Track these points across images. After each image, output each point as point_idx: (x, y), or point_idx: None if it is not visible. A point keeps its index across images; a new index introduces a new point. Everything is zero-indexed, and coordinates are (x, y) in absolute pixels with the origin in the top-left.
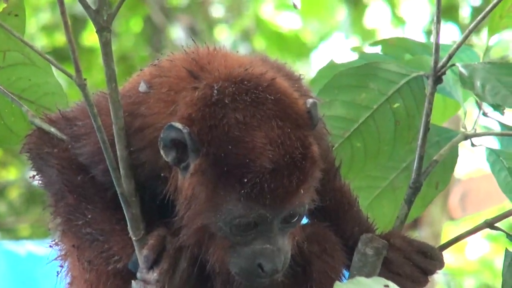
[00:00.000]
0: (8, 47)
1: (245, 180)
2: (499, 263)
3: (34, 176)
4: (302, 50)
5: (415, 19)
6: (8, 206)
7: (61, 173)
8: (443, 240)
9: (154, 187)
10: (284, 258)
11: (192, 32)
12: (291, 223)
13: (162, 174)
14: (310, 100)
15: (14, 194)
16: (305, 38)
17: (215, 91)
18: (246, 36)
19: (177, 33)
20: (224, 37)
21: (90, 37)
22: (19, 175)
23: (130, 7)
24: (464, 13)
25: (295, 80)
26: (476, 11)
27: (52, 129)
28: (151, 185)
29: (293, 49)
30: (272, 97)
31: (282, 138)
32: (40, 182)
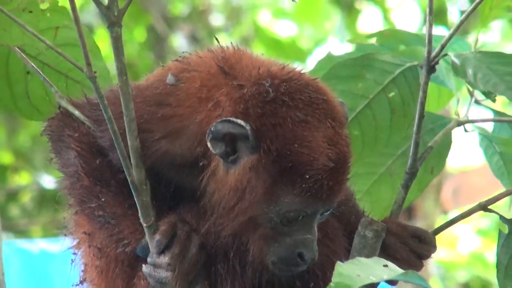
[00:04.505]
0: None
1: (307, 176)
2: (489, 257)
3: (51, 159)
4: (298, 55)
5: (406, 24)
6: (20, 209)
7: (80, 155)
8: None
9: (172, 175)
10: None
11: (193, 40)
12: (325, 214)
13: (193, 164)
14: (339, 100)
15: (26, 198)
16: (301, 44)
17: (270, 89)
18: (245, 42)
19: (179, 41)
20: (224, 44)
21: None
22: (31, 179)
23: (133, 17)
24: (453, 18)
25: None
26: None
27: (76, 112)
28: (168, 173)
29: (290, 55)
30: (324, 97)
31: (336, 138)
32: (57, 164)
